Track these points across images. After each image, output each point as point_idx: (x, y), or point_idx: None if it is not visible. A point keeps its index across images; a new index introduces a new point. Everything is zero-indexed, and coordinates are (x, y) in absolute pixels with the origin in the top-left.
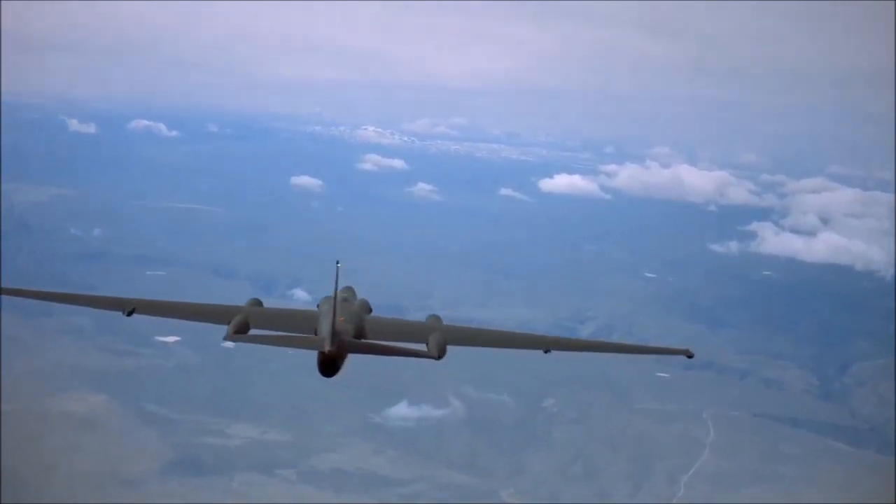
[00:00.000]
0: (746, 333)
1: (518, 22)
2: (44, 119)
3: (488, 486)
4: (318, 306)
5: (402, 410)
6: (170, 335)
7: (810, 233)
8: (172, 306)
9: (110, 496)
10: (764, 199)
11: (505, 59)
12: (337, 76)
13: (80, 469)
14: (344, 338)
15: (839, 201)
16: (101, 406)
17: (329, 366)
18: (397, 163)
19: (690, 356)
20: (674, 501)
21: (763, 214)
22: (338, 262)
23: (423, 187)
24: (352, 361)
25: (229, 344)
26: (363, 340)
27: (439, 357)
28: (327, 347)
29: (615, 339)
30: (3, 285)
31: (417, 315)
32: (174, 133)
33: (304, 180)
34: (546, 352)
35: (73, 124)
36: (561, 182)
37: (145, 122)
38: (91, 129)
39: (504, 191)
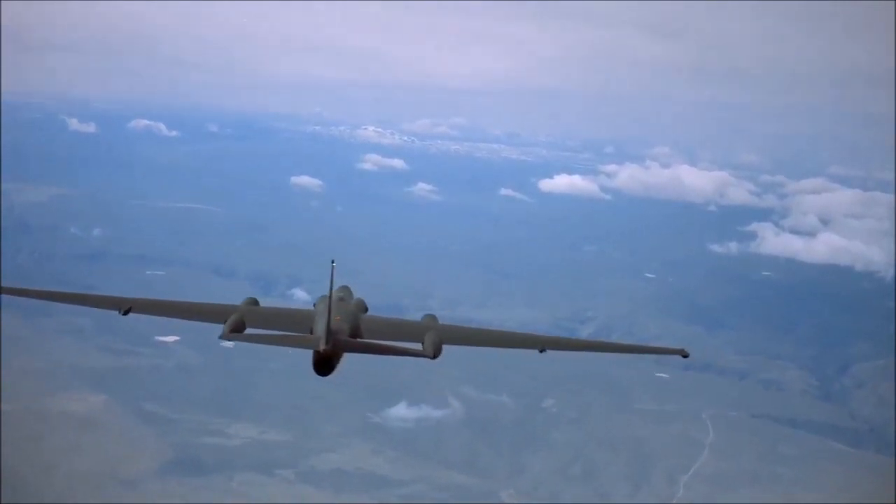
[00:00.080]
0: (746, 334)
1: (518, 22)
2: (44, 118)
3: (488, 486)
4: (314, 305)
5: (401, 411)
6: (169, 335)
7: (810, 233)
8: (168, 305)
9: (110, 496)
10: (764, 200)
11: (505, 59)
12: (337, 76)
13: (79, 469)
14: (339, 337)
15: (839, 202)
16: (101, 406)
17: (324, 365)
18: (397, 163)
19: (685, 356)
20: (673, 502)
21: (763, 215)
22: (333, 262)
23: (423, 187)
24: (351, 362)
25: (229, 344)
26: (358, 339)
27: (434, 356)
28: (322, 346)
29: (615, 339)
30: (2, 284)
31: (416, 315)
32: (174, 133)
33: (304, 180)
34: (541, 351)
35: (73, 124)
36: (561, 182)
37: (145, 122)
38: (91, 128)
39: (504, 191)
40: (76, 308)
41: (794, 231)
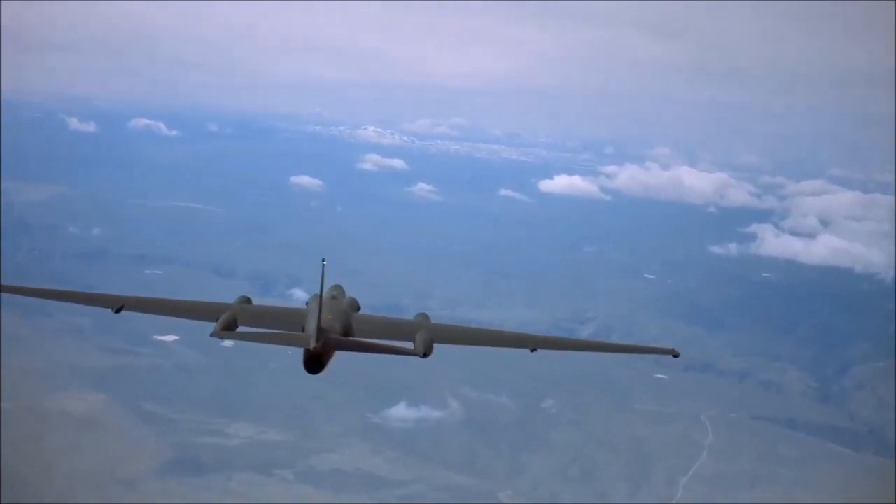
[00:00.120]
0: (745, 335)
1: (518, 22)
2: (44, 117)
3: (487, 487)
4: (306, 304)
5: (400, 411)
6: (168, 334)
7: (810, 235)
8: (161, 303)
9: (109, 495)
10: (764, 201)
11: (505, 59)
12: (337, 76)
13: (79, 468)
14: (330, 335)
15: (839, 204)
16: (101, 405)
17: (315, 363)
18: (397, 163)
19: (676, 356)
20: (672, 502)
21: (763, 216)
22: (323, 260)
23: (422, 187)
24: (351, 362)
25: (228, 343)
26: (349, 338)
27: (425, 355)
28: (312, 344)
29: (614, 340)
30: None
31: (414, 315)
32: (174, 132)
33: (304, 180)
34: (532, 350)
35: (73, 123)
36: (561, 183)
37: (145, 121)
38: (91, 127)
39: (504, 191)
40: (75, 307)
41: (794, 232)
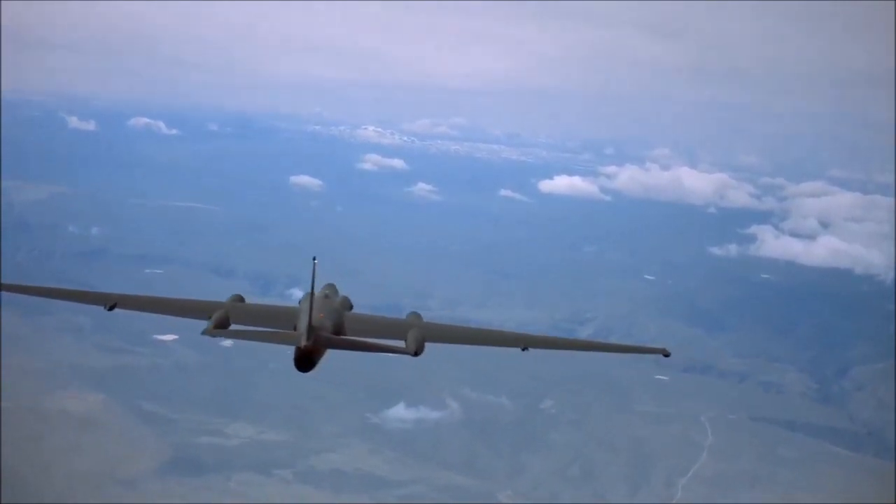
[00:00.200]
0: (745, 336)
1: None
2: (44, 116)
3: (486, 487)
4: (299, 303)
5: (400, 412)
6: (168, 334)
7: (810, 236)
8: (154, 301)
9: (109, 495)
10: (764, 203)
11: (505, 59)
12: (337, 76)
13: (78, 468)
14: (321, 333)
15: (839, 205)
16: (100, 405)
17: (305, 361)
18: (397, 163)
19: (667, 355)
20: (672, 503)
21: (763, 217)
22: (314, 259)
23: (422, 187)
24: (350, 363)
25: (227, 343)
26: (341, 336)
27: (416, 354)
28: (303, 342)
29: (614, 340)
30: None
31: None
32: (174, 131)
33: (304, 180)
34: (524, 349)
35: (73, 122)
36: (561, 183)
37: (145, 120)
38: (91, 126)
39: (504, 191)
40: (75, 306)
41: (794, 234)
